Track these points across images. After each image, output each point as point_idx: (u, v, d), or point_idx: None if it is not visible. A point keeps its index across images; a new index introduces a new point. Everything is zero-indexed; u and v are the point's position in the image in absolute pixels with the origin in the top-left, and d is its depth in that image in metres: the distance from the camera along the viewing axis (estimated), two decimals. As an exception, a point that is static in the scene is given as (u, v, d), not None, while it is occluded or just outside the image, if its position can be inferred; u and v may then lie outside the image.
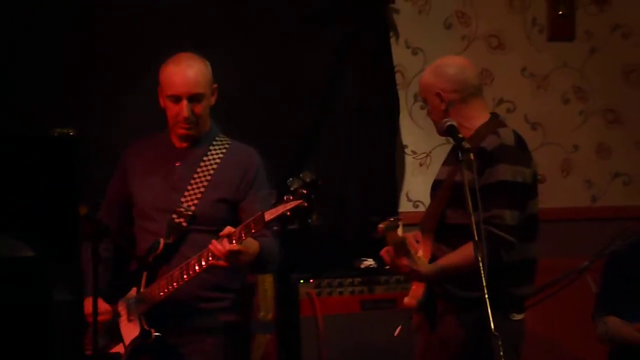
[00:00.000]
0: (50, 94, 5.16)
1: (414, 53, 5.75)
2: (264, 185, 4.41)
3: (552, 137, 6.14)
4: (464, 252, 3.72)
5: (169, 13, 5.34)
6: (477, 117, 3.90)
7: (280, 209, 3.86)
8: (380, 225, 3.71)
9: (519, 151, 3.75)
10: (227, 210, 4.29)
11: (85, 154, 3.55)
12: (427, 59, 5.74)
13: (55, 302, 3.23)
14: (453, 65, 3.97)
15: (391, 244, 3.71)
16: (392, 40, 5.70)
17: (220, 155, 4.41)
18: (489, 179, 3.67)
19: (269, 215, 3.85)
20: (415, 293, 3.96)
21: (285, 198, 3.87)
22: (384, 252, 3.88)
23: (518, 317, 3.85)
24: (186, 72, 4.22)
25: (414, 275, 3.82)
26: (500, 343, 3.35)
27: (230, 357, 4.36)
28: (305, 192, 3.87)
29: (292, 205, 3.84)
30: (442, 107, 3.85)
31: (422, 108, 5.69)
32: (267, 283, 5.31)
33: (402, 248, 3.70)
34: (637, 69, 6.26)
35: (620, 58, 6.19)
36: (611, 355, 4.74)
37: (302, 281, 5.23)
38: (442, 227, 3.87)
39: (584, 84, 6.17)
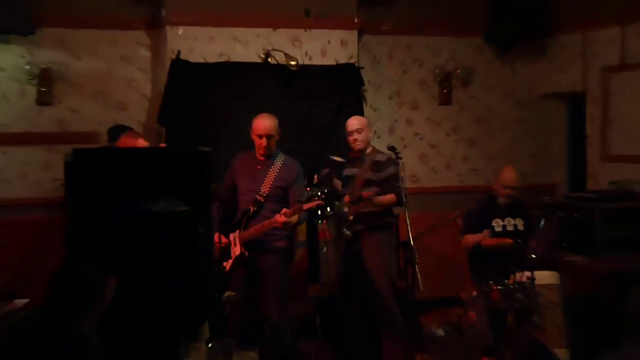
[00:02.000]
0: (198, 131, 6.82)
1: (374, 110, 7.70)
2: (301, 181, 5.68)
3: (442, 152, 8.03)
4: (391, 198, 5.61)
5: (250, 89, 7.02)
6: None
7: (312, 204, 5.27)
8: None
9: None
10: (283, 192, 5.57)
11: (213, 160, 4.47)
12: (381, 115, 7.72)
13: (198, 234, 4.07)
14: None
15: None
16: (363, 103, 7.47)
17: (280, 164, 5.63)
18: (394, 171, 5.56)
19: (305, 206, 5.31)
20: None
21: (315, 198, 5.27)
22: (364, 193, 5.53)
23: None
24: (265, 122, 5.60)
25: (375, 201, 5.58)
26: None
27: (283, 263, 5.59)
28: (324, 196, 5.27)
29: (317, 203, 5.24)
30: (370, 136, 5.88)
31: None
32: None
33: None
34: (483, 119, 8.14)
35: (473, 113, 8.11)
36: (469, 256, 6.22)
37: (320, 222, 6.45)
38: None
39: (457, 126, 8.07)
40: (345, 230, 5.59)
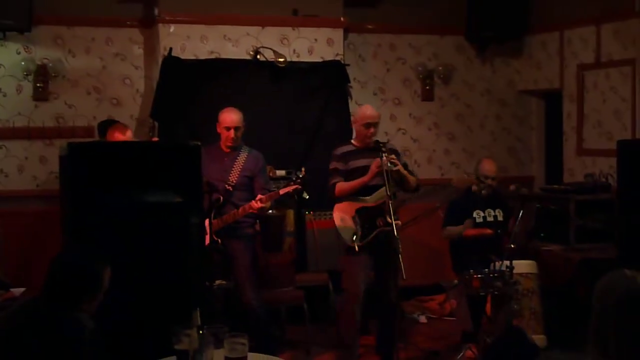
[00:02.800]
0: (190, 125, 6.88)
1: (359, 106, 6.56)
2: (265, 171, 5.80)
3: (424, 146, 8.12)
4: (414, 180, 5.48)
5: (240, 85, 7.03)
6: None
7: (288, 188, 5.45)
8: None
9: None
10: (250, 181, 5.66)
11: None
12: None
13: (191, 224, 4.10)
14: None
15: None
16: (349, 99, 7.49)
17: (245, 155, 5.71)
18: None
19: (281, 191, 5.46)
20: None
21: (291, 183, 5.50)
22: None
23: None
24: (232, 115, 5.67)
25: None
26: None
27: (251, 248, 5.71)
28: (299, 181, 5.43)
29: (293, 187, 5.42)
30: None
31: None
32: (290, 214, 6.76)
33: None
34: (462, 115, 8.21)
35: (454, 109, 8.19)
36: (451, 245, 6.30)
37: (307, 212, 6.91)
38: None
39: (438, 121, 8.16)
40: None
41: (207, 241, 5.40)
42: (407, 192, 5.58)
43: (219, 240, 5.56)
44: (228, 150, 5.74)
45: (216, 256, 5.56)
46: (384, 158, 5.22)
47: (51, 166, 7.01)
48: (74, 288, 3.20)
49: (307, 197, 5.48)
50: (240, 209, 5.52)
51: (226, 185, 5.63)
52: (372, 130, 5.49)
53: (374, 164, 5.31)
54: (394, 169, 5.27)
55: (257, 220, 5.94)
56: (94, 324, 3.17)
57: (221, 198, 5.59)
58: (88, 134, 7.06)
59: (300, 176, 5.50)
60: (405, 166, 5.60)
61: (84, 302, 3.22)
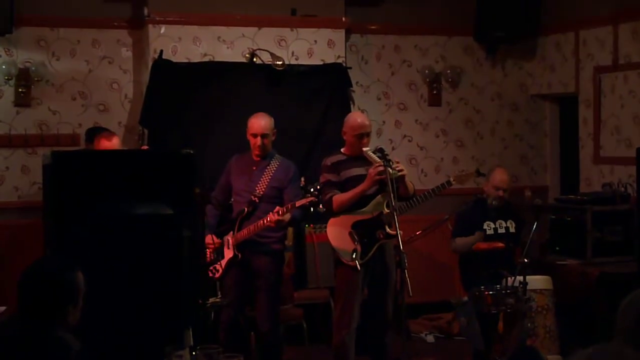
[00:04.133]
0: (182, 133, 6.89)
1: (362, 112, 7.26)
2: (297, 182, 5.83)
3: (431, 154, 8.11)
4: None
5: (235, 90, 7.07)
6: None
7: (304, 201, 5.41)
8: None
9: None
10: (278, 193, 5.66)
11: (197, 163, 4.62)
12: (369, 116, 6.75)
13: (183, 237, 4.04)
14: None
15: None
16: (351, 104, 7.50)
17: (276, 165, 5.73)
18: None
19: (297, 203, 5.44)
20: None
21: (307, 195, 5.43)
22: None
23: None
24: (260, 121, 5.71)
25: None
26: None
27: (277, 266, 5.72)
28: (316, 192, 5.41)
29: (309, 199, 5.39)
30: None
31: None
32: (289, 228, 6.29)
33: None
34: (472, 120, 8.20)
35: (463, 115, 8.19)
36: (460, 260, 6.31)
37: (307, 226, 6.91)
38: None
39: (445, 127, 8.15)
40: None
41: (230, 254, 5.52)
42: (401, 199, 5.42)
43: (239, 255, 5.58)
44: (258, 159, 5.75)
45: (234, 271, 5.61)
46: (390, 168, 5.14)
47: (34, 176, 7.00)
48: (50, 300, 3.16)
49: (322, 209, 5.49)
50: (261, 222, 5.52)
51: (252, 197, 5.64)
52: (365, 140, 5.40)
53: (374, 171, 5.22)
54: (400, 174, 5.19)
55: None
56: (80, 344, 3.14)
57: (246, 209, 5.61)
58: (73, 142, 7.07)
59: (319, 187, 5.44)
60: (296, 189, 5.69)
61: (68, 313, 3.19)
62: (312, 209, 5.55)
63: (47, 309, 3.15)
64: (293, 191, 5.69)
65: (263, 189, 5.66)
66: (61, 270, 3.22)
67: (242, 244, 5.63)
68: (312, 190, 5.42)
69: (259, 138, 5.66)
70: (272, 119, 5.75)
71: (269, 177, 5.69)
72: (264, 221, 5.50)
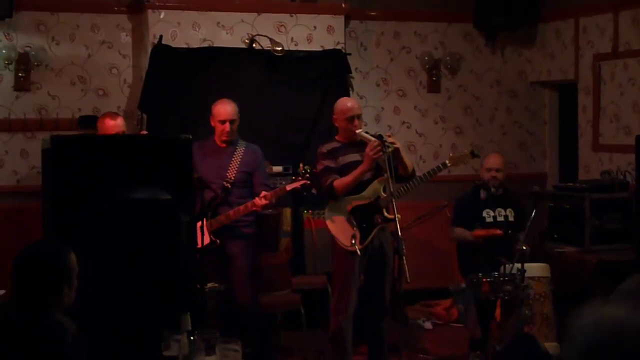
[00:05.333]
0: (181, 118, 6.87)
1: (361, 98, 7.66)
2: (264, 166, 5.88)
3: (429, 140, 8.13)
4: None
5: (234, 75, 7.05)
6: None
7: (296, 184, 5.44)
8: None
9: None
10: (249, 177, 5.69)
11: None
12: (367, 102, 7.76)
13: (182, 221, 4.17)
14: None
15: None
16: (350, 91, 7.50)
17: (243, 149, 5.74)
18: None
19: (288, 187, 5.47)
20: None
21: (299, 177, 5.43)
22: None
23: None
24: (227, 107, 5.69)
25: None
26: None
27: (251, 249, 5.74)
28: (308, 175, 5.45)
29: (302, 183, 5.42)
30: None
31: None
32: (287, 212, 6.77)
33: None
34: (471, 107, 8.21)
35: (462, 101, 8.20)
36: (458, 247, 6.28)
37: (305, 211, 6.95)
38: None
39: (444, 114, 8.18)
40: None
41: (207, 241, 5.43)
42: (402, 179, 5.46)
43: (218, 241, 5.57)
44: (224, 145, 5.75)
45: (210, 257, 5.54)
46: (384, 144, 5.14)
47: (33, 160, 6.98)
48: (43, 282, 3.16)
49: (315, 192, 5.55)
50: (242, 207, 5.54)
51: (224, 183, 5.65)
52: (356, 122, 5.39)
53: (369, 148, 5.21)
54: (395, 146, 5.18)
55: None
56: (77, 327, 3.15)
57: (219, 196, 5.61)
58: (72, 126, 7.04)
59: (309, 171, 5.45)
60: (264, 172, 5.75)
61: (63, 295, 3.19)
62: (304, 193, 5.60)
63: (41, 292, 3.16)
64: (262, 174, 5.77)
65: (234, 174, 5.68)
66: (52, 252, 3.23)
67: (217, 230, 5.62)
68: (303, 172, 5.44)
69: (227, 124, 5.66)
70: (236, 104, 5.77)
71: (238, 162, 5.71)
72: (246, 206, 5.53)
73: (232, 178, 5.67)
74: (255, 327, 5.67)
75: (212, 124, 5.75)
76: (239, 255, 5.65)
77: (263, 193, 5.44)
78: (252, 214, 5.69)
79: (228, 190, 5.66)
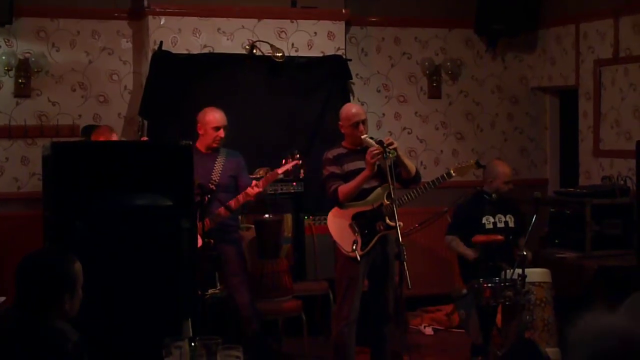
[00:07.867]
0: (181, 124, 6.64)
1: (362, 104, 7.53)
2: (246, 169, 5.90)
3: (430, 146, 8.15)
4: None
5: (235, 82, 7.10)
6: None
7: (287, 166, 5.48)
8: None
9: None
10: (233, 181, 5.77)
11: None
12: (368, 108, 7.67)
13: (182, 228, 4.23)
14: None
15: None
16: (351, 97, 7.57)
17: (225, 154, 5.83)
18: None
19: (280, 170, 5.50)
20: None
21: (289, 160, 5.50)
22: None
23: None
24: (220, 114, 5.78)
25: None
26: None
27: (241, 252, 5.83)
28: (298, 156, 5.53)
29: (293, 163, 5.48)
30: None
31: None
32: (288, 218, 6.83)
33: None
34: (472, 113, 8.24)
35: (463, 107, 8.23)
36: (460, 255, 6.21)
37: (305, 217, 6.96)
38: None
39: (445, 120, 8.18)
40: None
41: (200, 243, 5.34)
42: (405, 183, 5.46)
43: (212, 241, 5.54)
44: (209, 151, 5.81)
45: (207, 264, 5.55)
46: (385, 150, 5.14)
47: (33, 167, 7.00)
48: (44, 290, 3.15)
49: (304, 175, 5.80)
50: (234, 201, 5.58)
51: (210, 185, 5.69)
52: (361, 128, 5.40)
53: (368, 154, 5.23)
54: (391, 147, 5.15)
55: (254, 225, 5.98)
56: (78, 335, 3.14)
57: (206, 198, 5.58)
58: (73, 133, 7.06)
59: (298, 152, 5.55)
60: (247, 174, 5.77)
61: (64, 303, 3.17)
62: (302, 172, 5.85)
63: (42, 300, 3.14)
64: (246, 177, 5.83)
65: (218, 178, 5.74)
66: (55, 260, 3.21)
67: (208, 232, 5.59)
68: (291, 154, 5.51)
69: (221, 130, 5.75)
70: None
71: (221, 167, 5.78)
72: (238, 199, 5.59)
73: (217, 181, 5.73)
74: (253, 331, 5.69)
75: (201, 131, 5.78)
76: (234, 259, 5.73)
77: (254, 182, 5.50)
78: (236, 219, 5.86)
79: (213, 192, 5.68)
